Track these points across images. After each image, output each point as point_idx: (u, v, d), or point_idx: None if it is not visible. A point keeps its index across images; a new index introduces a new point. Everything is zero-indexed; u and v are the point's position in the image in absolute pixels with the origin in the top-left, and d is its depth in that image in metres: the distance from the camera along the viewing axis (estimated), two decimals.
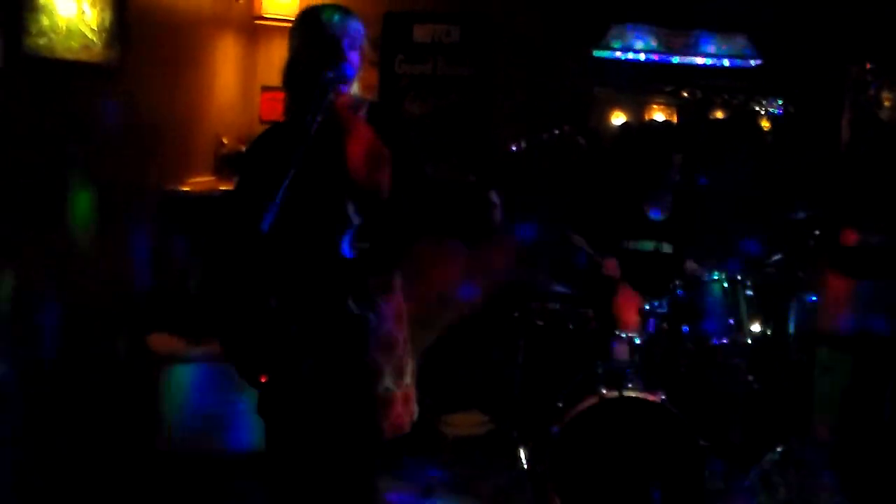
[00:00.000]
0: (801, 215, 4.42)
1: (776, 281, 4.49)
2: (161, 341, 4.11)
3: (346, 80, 2.68)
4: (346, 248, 2.59)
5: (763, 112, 8.35)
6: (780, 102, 7.72)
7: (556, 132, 2.66)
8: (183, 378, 4.03)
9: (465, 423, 4.87)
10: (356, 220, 2.61)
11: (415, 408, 2.88)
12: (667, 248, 4.73)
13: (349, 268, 2.58)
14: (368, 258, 2.62)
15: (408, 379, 2.85)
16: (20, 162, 3.38)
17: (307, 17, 2.76)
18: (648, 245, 4.73)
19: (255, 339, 2.58)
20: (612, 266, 4.61)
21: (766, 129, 8.36)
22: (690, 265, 4.61)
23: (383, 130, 2.66)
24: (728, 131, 8.26)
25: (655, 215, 4.78)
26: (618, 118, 9.87)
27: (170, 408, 4.04)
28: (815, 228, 4.41)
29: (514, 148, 2.56)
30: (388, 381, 2.76)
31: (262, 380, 2.60)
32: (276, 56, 5.11)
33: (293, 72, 2.73)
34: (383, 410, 2.75)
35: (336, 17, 2.70)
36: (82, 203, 3.76)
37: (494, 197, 2.63)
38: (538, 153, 2.61)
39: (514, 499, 4.17)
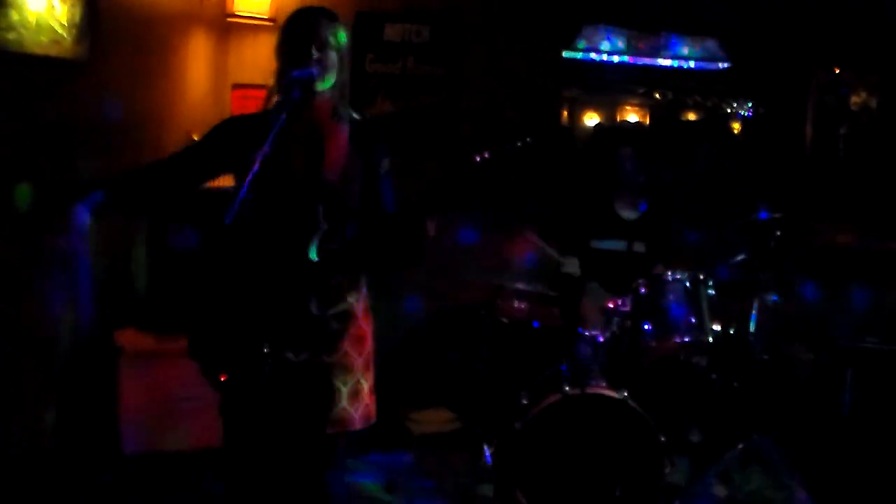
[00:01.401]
0: (764, 216, 4.48)
1: (738, 281, 4.56)
2: (128, 337, 4.11)
3: (313, 80, 2.69)
4: (312, 250, 2.62)
5: (733, 114, 8.46)
6: (749, 105, 7.81)
7: (519, 144, 2.67)
8: (149, 374, 4.04)
9: (432, 420, 4.91)
10: (324, 225, 2.65)
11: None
12: (639, 247, 4.74)
13: (313, 270, 2.62)
14: (333, 261, 2.65)
15: (372, 370, 2.89)
16: None
17: (286, 20, 2.77)
18: (620, 244, 4.73)
19: (216, 338, 2.61)
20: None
21: (736, 130, 8.47)
22: (660, 269, 4.62)
23: (363, 148, 2.72)
24: (699, 132, 8.34)
25: (628, 214, 4.80)
26: (591, 119, 9.96)
27: (135, 403, 4.03)
28: (777, 229, 4.47)
29: (477, 158, 2.57)
30: (358, 374, 2.79)
31: (222, 378, 2.62)
32: (247, 54, 5.13)
33: (275, 73, 2.74)
34: (355, 401, 2.78)
35: (306, 18, 2.72)
36: (48, 197, 3.77)
37: (430, 224, 2.65)
38: (502, 164, 2.62)
39: (477, 494, 4.21)
